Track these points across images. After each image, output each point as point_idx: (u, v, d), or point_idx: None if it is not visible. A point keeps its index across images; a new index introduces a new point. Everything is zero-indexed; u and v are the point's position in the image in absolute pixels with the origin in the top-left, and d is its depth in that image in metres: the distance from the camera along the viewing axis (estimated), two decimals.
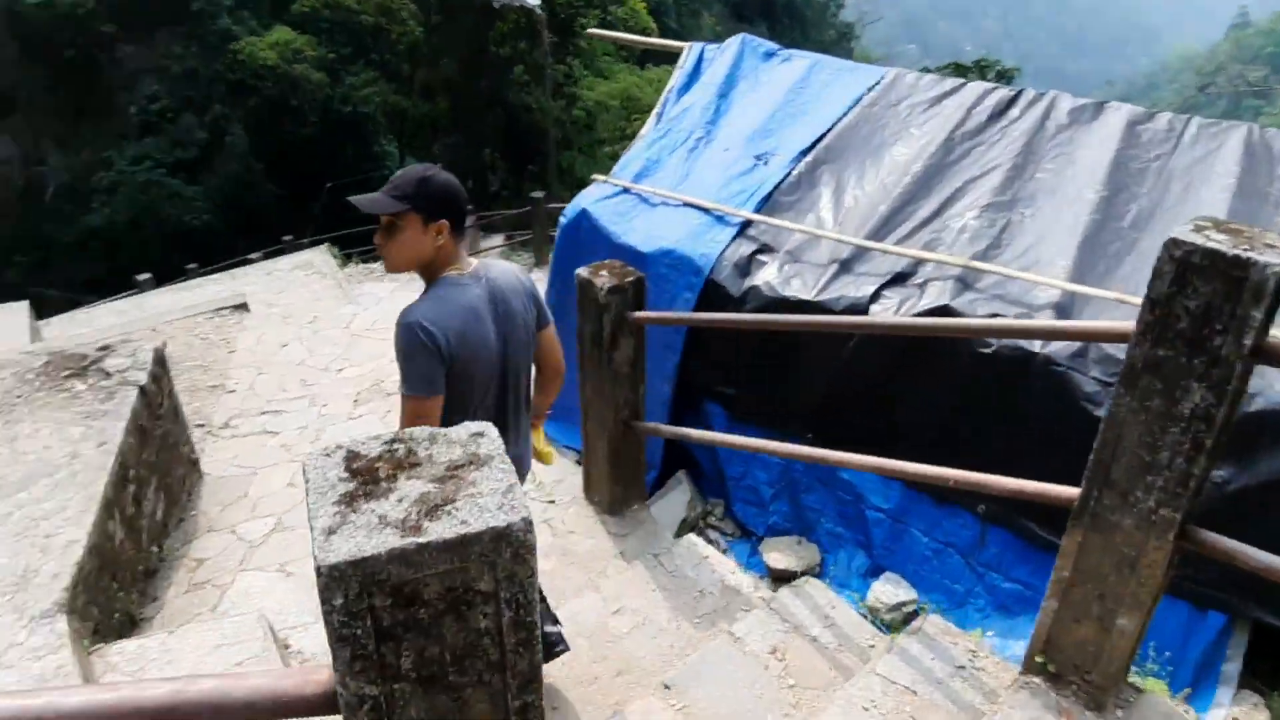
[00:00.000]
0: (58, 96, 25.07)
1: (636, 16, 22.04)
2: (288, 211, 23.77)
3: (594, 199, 4.96)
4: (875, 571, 4.03)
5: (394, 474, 0.96)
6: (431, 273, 2.34)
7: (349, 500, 0.92)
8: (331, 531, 0.87)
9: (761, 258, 4.42)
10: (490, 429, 1.08)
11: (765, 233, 4.53)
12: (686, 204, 4.73)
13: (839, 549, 4.18)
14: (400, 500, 0.92)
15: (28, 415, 4.22)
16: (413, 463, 0.99)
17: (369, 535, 0.87)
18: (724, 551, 4.27)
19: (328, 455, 1.01)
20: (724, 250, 4.46)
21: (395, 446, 1.01)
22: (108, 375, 4.54)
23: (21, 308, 9.15)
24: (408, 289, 10.46)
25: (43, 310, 20.64)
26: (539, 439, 2.91)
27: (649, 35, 22.90)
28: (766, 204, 4.67)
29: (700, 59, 6.09)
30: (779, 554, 4.14)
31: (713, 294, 4.41)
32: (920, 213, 4.39)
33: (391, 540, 0.86)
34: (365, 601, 0.85)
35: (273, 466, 5.34)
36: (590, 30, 6.27)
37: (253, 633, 3.29)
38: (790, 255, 4.37)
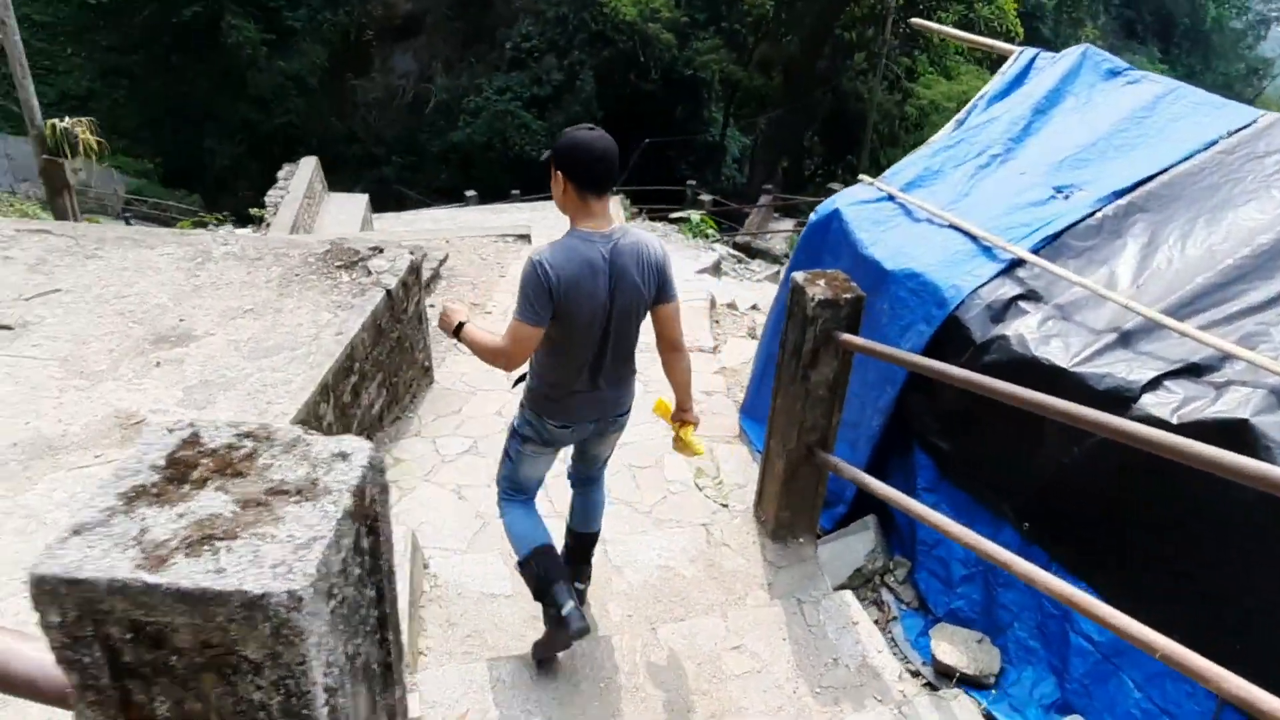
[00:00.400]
0: (454, 24, 28.21)
1: (1003, 17, 20.17)
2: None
3: (851, 200, 4.47)
4: (1063, 709, 3.30)
5: (208, 478, 0.76)
6: (570, 222, 2.52)
7: (131, 498, 0.73)
8: (76, 532, 0.70)
9: (1023, 305, 3.72)
10: (362, 447, 0.85)
11: (1037, 277, 3.81)
12: (953, 226, 4.11)
13: (1025, 665, 3.47)
14: (181, 516, 0.71)
15: (298, 293, 4.67)
16: (240, 470, 0.78)
17: (105, 553, 0.67)
18: (892, 619, 3.74)
19: (169, 432, 0.83)
20: (980, 286, 3.81)
21: (242, 444, 0.81)
22: (369, 273, 4.90)
23: (361, 200, 10.41)
24: (681, 253, 10.51)
25: (403, 205, 23.36)
26: (688, 430, 2.98)
27: (1014, 40, 20.96)
28: (1050, 245, 3.92)
29: (1029, 66, 5.28)
30: (950, 646, 3.52)
31: (952, 333, 3.80)
32: (1250, 296, 3.43)
33: (120, 568, 0.66)
34: (91, 629, 0.67)
35: (489, 392, 5.54)
36: (913, 21, 5.64)
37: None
38: (1059, 310, 3.64)
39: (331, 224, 9.53)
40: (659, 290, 2.67)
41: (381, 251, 5.08)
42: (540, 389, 2.72)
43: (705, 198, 12.74)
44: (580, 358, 2.60)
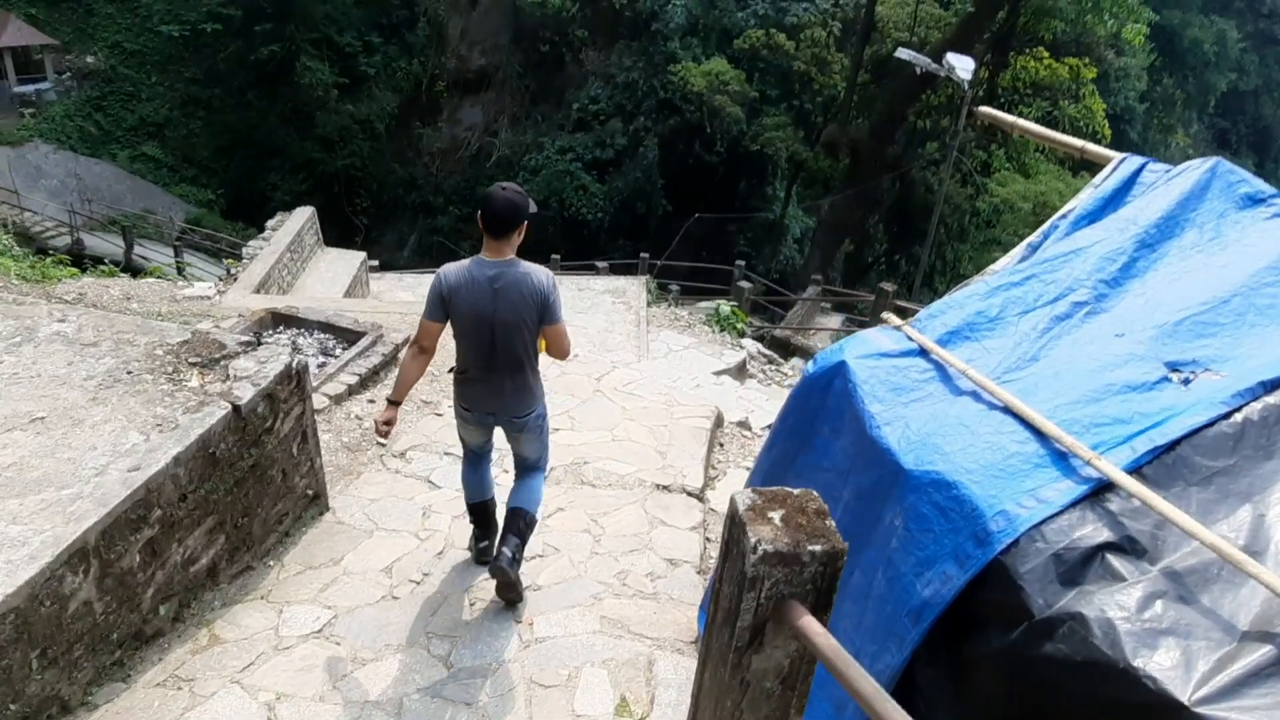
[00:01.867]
0: (524, 82, 27.89)
1: (1090, 118, 18.70)
2: (670, 228, 24.06)
3: (864, 351, 3.10)
4: None
5: None
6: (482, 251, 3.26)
7: None
8: None
9: (1114, 562, 2.26)
10: None
11: (1139, 514, 2.36)
12: (1009, 410, 2.71)
13: None
14: None
15: (117, 399, 3.48)
16: None
17: None
18: None
19: None
20: (1047, 520, 2.38)
21: None
22: (226, 378, 3.71)
23: (356, 258, 9.39)
24: (701, 348, 9.21)
25: (454, 258, 22.32)
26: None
27: (1100, 142, 19.38)
28: (1160, 459, 2.49)
29: (1132, 179, 3.83)
30: None
31: (997, 589, 2.37)
32: None
33: None
34: None
35: (394, 534, 4.27)
36: (981, 110, 4.28)
37: None
38: (1176, 583, 2.19)
39: (315, 283, 8.52)
40: (541, 313, 3.21)
41: (256, 347, 3.89)
42: (456, 377, 3.43)
43: (745, 284, 11.45)
44: (473, 353, 3.26)
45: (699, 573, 4.25)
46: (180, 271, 21.44)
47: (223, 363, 3.78)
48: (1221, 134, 36.39)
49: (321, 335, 6.23)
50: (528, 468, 3.68)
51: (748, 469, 6.12)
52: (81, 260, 21.19)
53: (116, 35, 28.26)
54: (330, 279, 8.66)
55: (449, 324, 3.25)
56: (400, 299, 9.36)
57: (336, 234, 28.12)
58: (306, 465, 4.13)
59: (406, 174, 27.40)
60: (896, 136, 19.23)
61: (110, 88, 27.93)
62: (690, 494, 5.15)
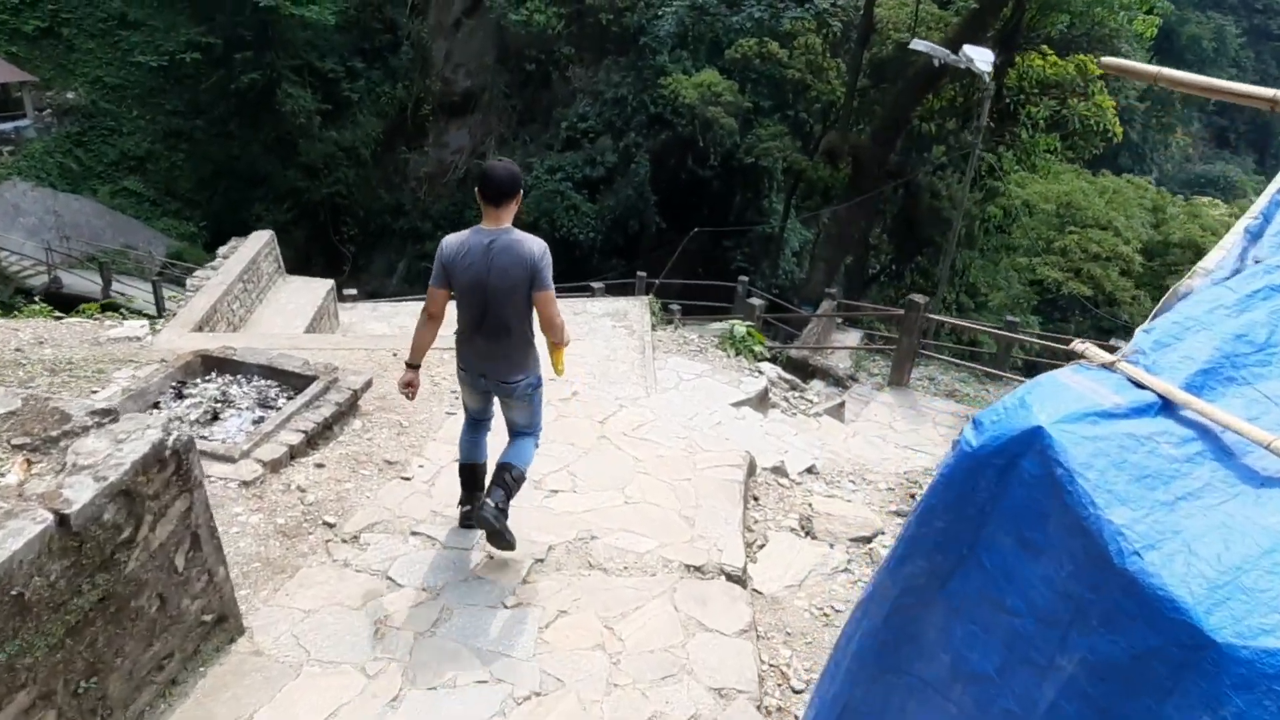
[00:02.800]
0: (510, 102, 26.80)
1: (1100, 115, 17.60)
2: (664, 245, 22.90)
3: (1071, 411, 1.84)
4: None
5: None
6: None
7: None
8: None
9: None
10: None
11: None
12: None
13: None
14: None
15: None
16: None
17: None
18: None
19: None
20: None
21: None
22: (61, 468, 2.45)
23: (322, 287, 8.13)
24: (717, 376, 7.96)
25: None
26: (557, 357, 3.58)
27: (1112, 142, 18.31)
28: None
29: None
30: None
31: None
32: None
33: None
34: None
35: (330, 670, 3.00)
36: (1106, 61, 2.92)
37: None
38: None
39: (273, 317, 7.26)
40: (532, 279, 3.30)
41: (110, 420, 2.61)
42: (457, 339, 3.59)
43: (757, 301, 10.23)
44: (467, 315, 3.44)
45: (761, 711, 2.97)
46: (159, 309, 20.20)
47: (62, 443, 2.51)
48: (1220, 132, 35.45)
49: (263, 382, 4.96)
50: (518, 432, 3.77)
51: (791, 529, 4.87)
52: (59, 299, 19.99)
53: (97, 70, 27.08)
54: (291, 311, 7.39)
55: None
56: (371, 332, 8.12)
57: (323, 263, 26.87)
58: (202, 581, 2.84)
59: (393, 200, 26.22)
60: (899, 142, 18.11)
61: (91, 123, 26.74)
62: (731, 577, 3.87)
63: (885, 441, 8.34)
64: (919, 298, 9.29)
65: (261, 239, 7.78)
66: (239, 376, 4.96)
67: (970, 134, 14.43)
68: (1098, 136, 17.90)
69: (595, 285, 12.93)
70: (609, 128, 24.31)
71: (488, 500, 3.51)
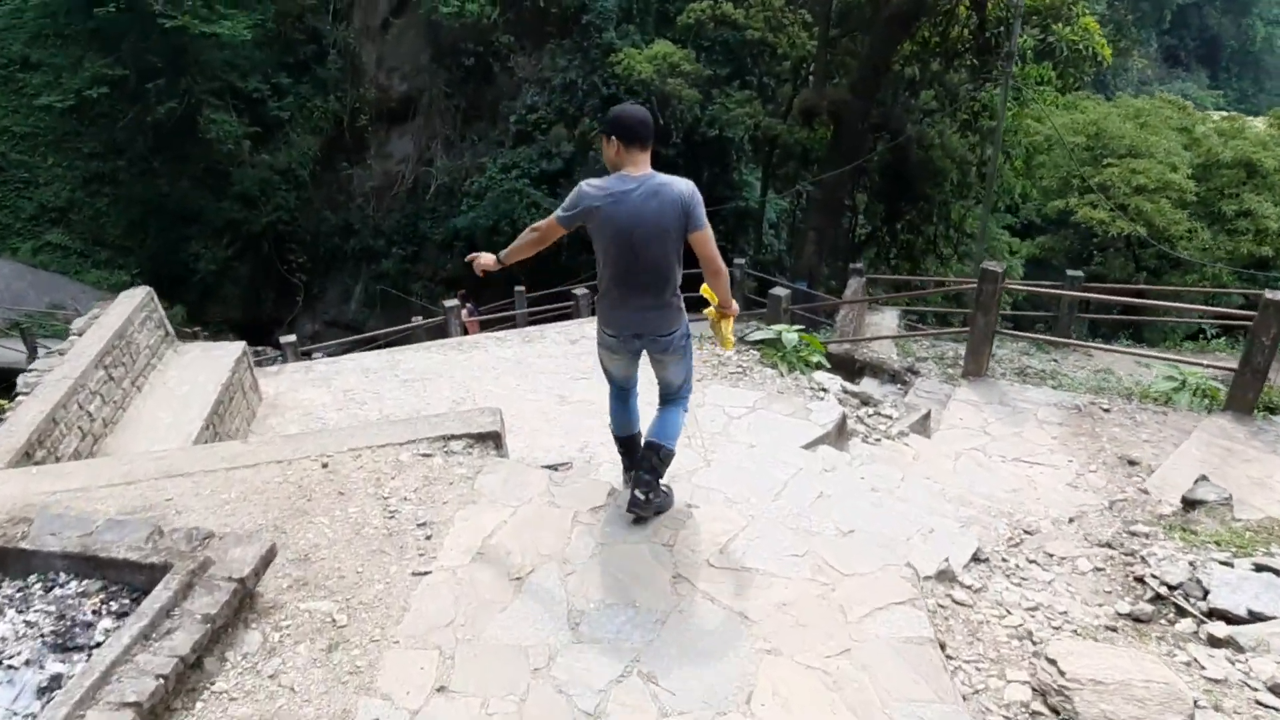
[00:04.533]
0: (452, 102, 24.13)
1: (1088, 38, 15.53)
2: None
3: None
4: None
5: None
6: (614, 169, 3.12)
7: None
8: None
9: None
10: None
11: None
12: None
13: None
14: None
15: None
16: None
17: None
18: None
19: None
20: None
21: None
22: None
23: (228, 355, 5.73)
24: (774, 406, 5.74)
25: (399, 311, 18.27)
26: (727, 326, 3.46)
27: (1102, 65, 16.25)
28: None
29: None
30: None
31: None
32: None
33: None
34: None
35: None
36: None
37: None
38: None
39: (156, 411, 4.90)
40: (686, 220, 3.02)
41: None
42: (599, 303, 3.30)
43: (780, 293, 8.00)
44: (615, 269, 3.10)
45: None
46: None
47: None
48: (1170, 51, 33.74)
49: (71, 587, 2.64)
50: (670, 397, 3.48)
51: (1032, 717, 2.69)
52: None
53: (3, 120, 23.93)
54: (183, 399, 5.03)
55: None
56: (303, 403, 5.79)
57: (274, 297, 24.11)
58: None
59: (341, 220, 23.53)
60: (883, 91, 15.91)
61: (2, 177, 23.67)
62: None
63: (995, 458, 6.21)
64: (994, 265, 7.12)
65: (133, 300, 5.36)
66: (26, 582, 2.63)
67: (1006, 56, 12.23)
68: (1086, 62, 15.88)
69: (579, 291, 10.63)
70: (561, 116, 21.85)
71: (637, 493, 3.30)
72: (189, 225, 23.10)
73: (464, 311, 13.90)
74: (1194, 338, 11.63)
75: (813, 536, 3.46)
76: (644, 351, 3.33)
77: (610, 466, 4.47)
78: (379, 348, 16.73)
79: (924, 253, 18.37)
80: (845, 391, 6.44)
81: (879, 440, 5.94)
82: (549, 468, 4.20)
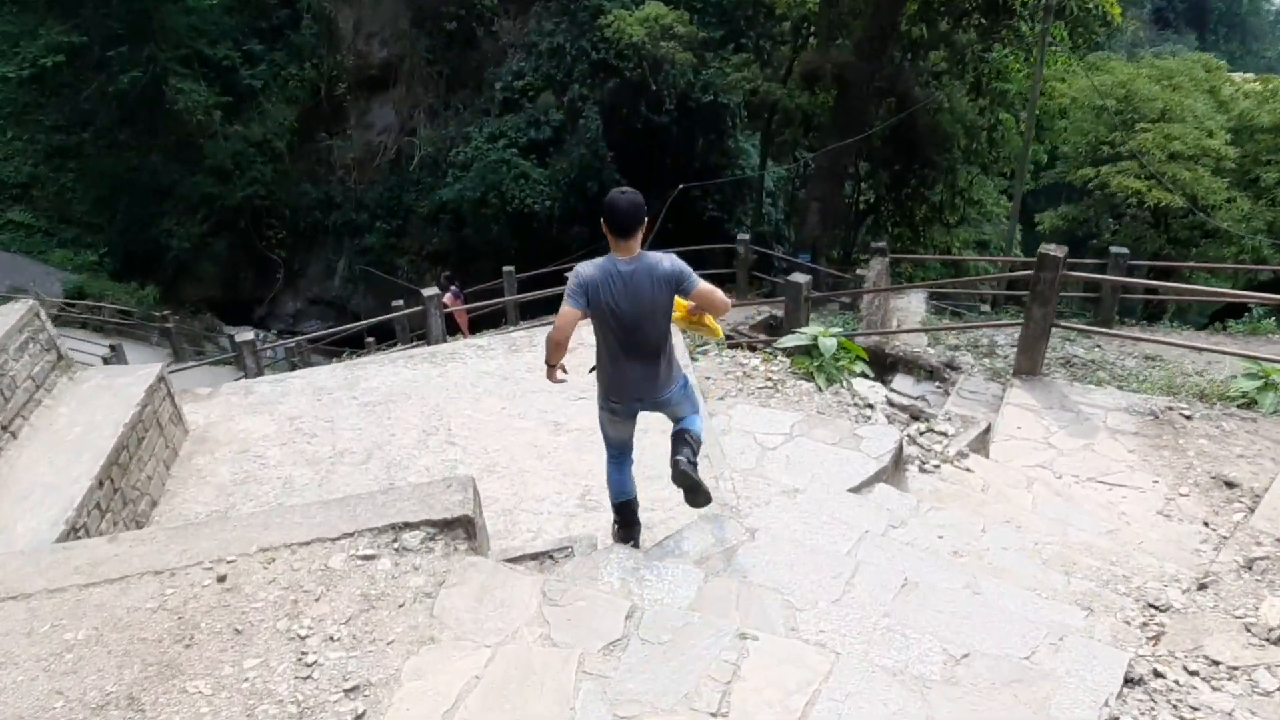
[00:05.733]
0: (435, 69, 22.44)
1: None
2: None
3: None
4: None
5: None
6: (611, 250, 3.14)
7: None
8: None
9: None
10: None
11: None
12: None
13: None
14: None
15: None
16: None
17: None
18: None
19: None
20: None
21: None
22: None
23: (143, 379, 4.50)
24: (815, 433, 4.53)
25: (384, 290, 16.69)
26: (710, 318, 3.48)
27: (1110, 24, 14.90)
28: None
29: None
30: None
31: None
32: None
33: None
34: None
35: None
36: None
37: None
38: None
39: (35, 466, 3.68)
40: (678, 287, 3.17)
41: None
42: (600, 374, 3.35)
43: (800, 279, 6.78)
44: (615, 341, 3.19)
45: None
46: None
47: None
48: (1158, 14, 32.28)
49: None
50: (682, 420, 3.45)
51: None
52: None
53: None
54: (70, 450, 3.80)
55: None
56: (240, 435, 4.55)
57: (253, 275, 22.56)
58: None
59: (321, 194, 21.96)
60: (887, 53, 14.50)
61: None
62: None
63: (1066, 478, 5.08)
64: (1054, 249, 5.90)
65: (9, 318, 4.09)
66: None
67: (1019, 21, 10.88)
68: (1097, 21, 14.51)
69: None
70: (549, 83, 20.25)
71: (679, 457, 3.29)
72: (160, 201, 21.49)
73: (448, 296, 12.60)
74: (1219, 318, 10.44)
75: (926, 688, 2.30)
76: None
77: (624, 547, 3.30)
78: (351, 343, 15.20)
79: (928, 221, 17.12)
80: (891, 404, 5.28)
81: (938, 467, 4.79)
82: (540, 557, 3.02)
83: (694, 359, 5.33)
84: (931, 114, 14.59)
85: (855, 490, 4.09)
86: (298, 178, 21.97)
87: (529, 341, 5.42)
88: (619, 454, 3.51)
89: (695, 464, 3.32)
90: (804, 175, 18.74)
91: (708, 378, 5.11)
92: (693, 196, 19.65)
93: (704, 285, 3.20)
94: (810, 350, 5.09)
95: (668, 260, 3.18)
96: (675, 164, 19.67)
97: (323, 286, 22.13)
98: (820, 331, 5.07)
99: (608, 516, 3.89)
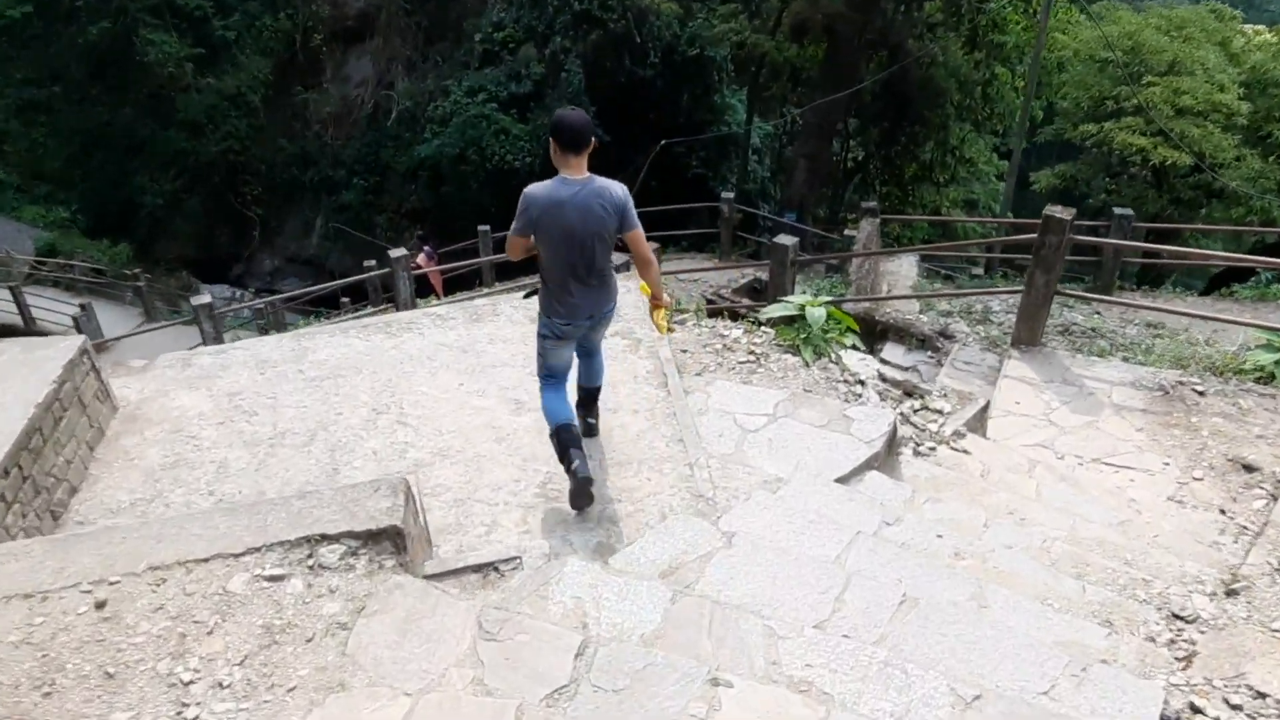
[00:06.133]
0: (413, 20, 21.40)
1: None
2: (611, 162, 18.49)
3: None
4: None
5: None
6: (558, 171, 3.10)
7: None
8: None
9: None
10: None
11: None
12: None
13: None
14: None
15: None
16: None
17: None
18: None
19: None
20: None
21: None
22: None
23: (61, 354, 4.00)
24: (801, 412, 4.09)
25: (359, 251, 15.98)
26: (660, 315, 3.62)
27: None
28: None
29: None
30: None
31: None
32: None
33: None
34: None
35: None
36: None
37: None
38: None
39: None
40: (620, 222, 3.15)
41: None
42: (545, 297, 3.31)
43: (787, 241, 6.32)
44: (563, 262, 3.16)
45: None
46: (25, 322, 15.40)
47: None
48: None
49: None
50: (591, 350, 3.64)
51: None
52: None
53: None
54: None
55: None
56: (174, 412, 4.07)
57: (230, 233, 21.69)
58: None
59: (297, 149, 21.07)
60: (881, 3, 13.76)
61: None
62: None
63: (1069, 458, 4.70)
64: (1060, 210, 5.43)
65: None
66: None
67: None
68: None
69: None
70: (530, 35, 19.31)
71: (591, 420, 3.75)
72: (133, 157, 20.60)
73: (421, 256, 12.02)
74: (1223, 282, 9.96)
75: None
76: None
77: (583, 556, 2.87)
78: (326, 303, 14.53)
79: (917, 180, 16.55)
80: (884, 379, 4.85)
81: (933, 449, 4.38)
82: (483, 569, 2.59)
83: (669, 329, 4.86)
84: (925, 68, 13.93)
85: (845, 479, 3.67)
86: (273, 133, 21.06)
87: (492, 310, 4.93)
88: (558, 379, 3.47)
89: (595, 426, 3.78)
90: (791, 132, 18.06)
91: (685, 350, 4.65)
92: (676, 153, 18.93)
93: (640, 231, 3.22)
94: (796, 321, 4.63)
95: (619, 187, 3.16)
96: (659, 119, 18.91)
97: (300, 244, 21.39)
98: (808, 301, 4.60)
99: (569, 509, 3.48)
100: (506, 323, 4.77)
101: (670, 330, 3.72)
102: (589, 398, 3.74)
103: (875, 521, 3.29)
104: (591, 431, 3.74)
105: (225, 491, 3.71)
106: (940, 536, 3.27)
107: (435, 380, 4.39)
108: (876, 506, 3.42)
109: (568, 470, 3.32)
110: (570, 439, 3.36)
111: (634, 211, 3.20)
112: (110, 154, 20.66)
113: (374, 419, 4.12)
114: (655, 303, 3.57)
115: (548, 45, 19.02)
